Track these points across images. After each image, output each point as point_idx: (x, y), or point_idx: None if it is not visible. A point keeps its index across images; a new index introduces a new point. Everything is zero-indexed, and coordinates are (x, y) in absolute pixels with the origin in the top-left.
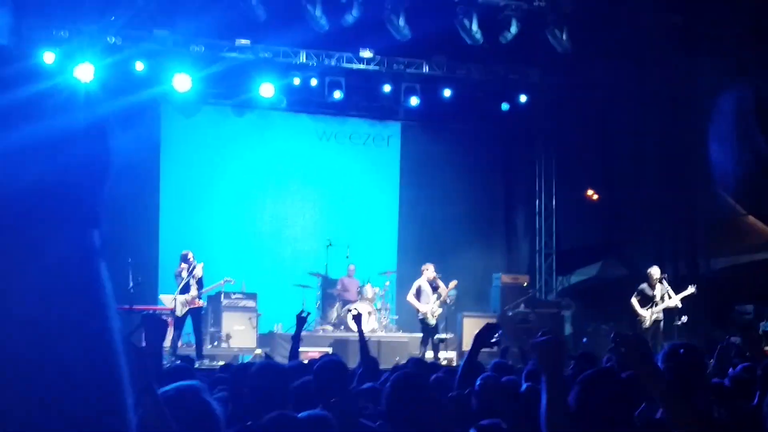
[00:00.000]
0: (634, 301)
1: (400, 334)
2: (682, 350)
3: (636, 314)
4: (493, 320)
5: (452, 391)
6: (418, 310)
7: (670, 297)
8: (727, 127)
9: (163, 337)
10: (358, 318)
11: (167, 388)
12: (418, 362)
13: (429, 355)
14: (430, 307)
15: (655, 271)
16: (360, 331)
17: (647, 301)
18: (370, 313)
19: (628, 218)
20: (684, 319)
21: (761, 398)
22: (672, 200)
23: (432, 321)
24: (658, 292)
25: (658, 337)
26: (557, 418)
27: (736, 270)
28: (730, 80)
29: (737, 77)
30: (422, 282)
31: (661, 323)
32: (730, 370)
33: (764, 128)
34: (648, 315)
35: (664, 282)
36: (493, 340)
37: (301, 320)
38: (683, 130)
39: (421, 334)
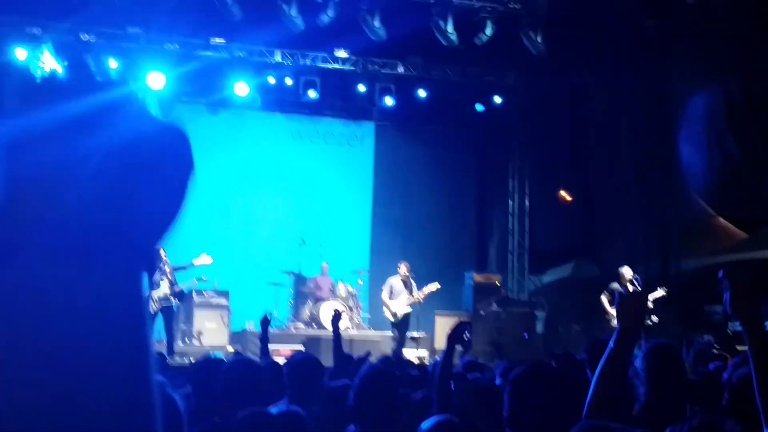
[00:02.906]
0: (604, 299)
1: (372, 332)
2: (660, 350)
3: (605, 312)
4: (464, 318)
5: (424, 389)
6: (388, 309)
7: None
8: (698, 130)
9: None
10: (336, 318)
11: None
12: (388, 359)
13: (405, 352)
14: (399, 306)
15: (626, 271)
16: (336, 331)
17: None
18: (342, 311)
19: (601, 219)
20: (654, 319)
21: (729, 399)
22: (644, 201)
23: (392, 319)
24: None
25: None
26: (617, 377)
27: (707, 271)
28: (702, 83)
29: (709, 79)
30: (395, 281)
31: None
32: (700, 368)
33: (735, 131)
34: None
35: (636, 282)
36: (465, 338)
37: (264, 323)
38: (656, 132)
39: (390, 333)
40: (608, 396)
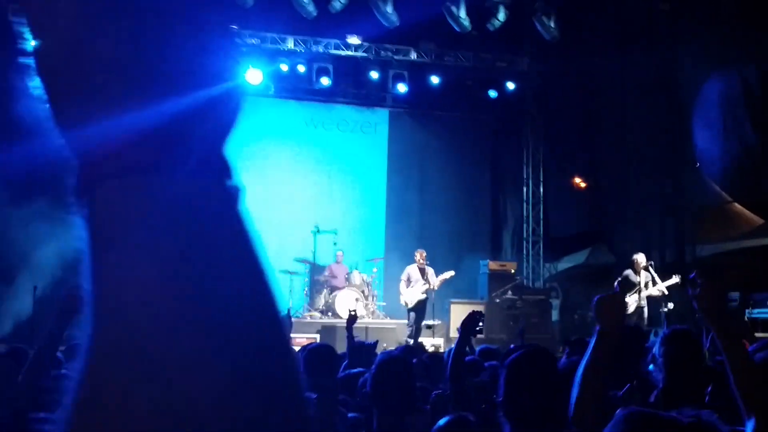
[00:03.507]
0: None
1: (387, 320)
2: (679, 336)
3: None
4: (477, 307)
5: (439, 378)
6: (402, 297)
7: (655, 284)
8: (714, 115)
9: None
10: (350, 321)
11: None
12: (405, 347)
13: (421, 340)
14: (412, 294)
15: (640, 258)
16: (349, 332)
17: (631, 287)
18: (357, 300)
19: (616, 205)
20: (670, 305)
21: None
22: (659, 187)
23: (406, 306)
24: (642, 278)
25: (642, 323)
26: (597, 378)
27: (722, 257)
28: (717, 68)
29: (724, 65)
30: (412, 269)
31: (645, 309)
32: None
33: (750, 116)
34: (631, 301)
35: (650, 269)
36: (478, 327)
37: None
38: (670, 117)
39: (405, 321)
40: (591, 396)
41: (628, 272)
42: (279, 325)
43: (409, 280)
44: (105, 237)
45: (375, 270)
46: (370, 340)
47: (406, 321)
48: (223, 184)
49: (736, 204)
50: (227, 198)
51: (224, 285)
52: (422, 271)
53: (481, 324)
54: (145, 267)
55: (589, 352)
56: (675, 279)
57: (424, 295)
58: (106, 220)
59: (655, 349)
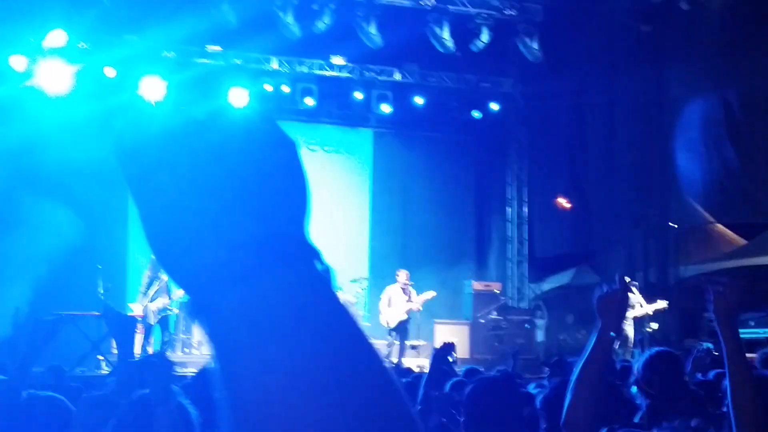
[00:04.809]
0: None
1: (372, 341)
2: (663, 357)
3: None
4: (462, 328)
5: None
6: (382, 317)
7: (641, 306)
8: (696, 137)
9: (132, 336)
10: None
11: (143, 392)
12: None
13: (405, 361)
14: (393, 314)
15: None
16: None
17: None
18: None
19: (600, 226)
20: (654, 326)
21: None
22: (643, 208)
23: (386, 326)
24: None
25: (627, 344)
26: (597, 376)
27: (706, 278)
28: (699, 90)
29: (706, 87)
30: (393, 289)
31: (630, 330)
32: (698, 375)
33: (732, 138)
34: None
35: (635, 290)
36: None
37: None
38: (654, 138)
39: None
40: (586, 399)
41: None
42: (407, 409)
43: (389, 300)
44: (232, 350)
45: (360, 290)
46: None
47: (385, 341)
48: (316, 270)
49: (719, 225)
50: (325, 283)
51: (350, 377)
52: (405, 291)
53: (451, 358)
54: (275, 375)
55: (587, 353)
56: (663, 304)
57: (406, 315)
58: (228, 334)
59: (637, 371)
